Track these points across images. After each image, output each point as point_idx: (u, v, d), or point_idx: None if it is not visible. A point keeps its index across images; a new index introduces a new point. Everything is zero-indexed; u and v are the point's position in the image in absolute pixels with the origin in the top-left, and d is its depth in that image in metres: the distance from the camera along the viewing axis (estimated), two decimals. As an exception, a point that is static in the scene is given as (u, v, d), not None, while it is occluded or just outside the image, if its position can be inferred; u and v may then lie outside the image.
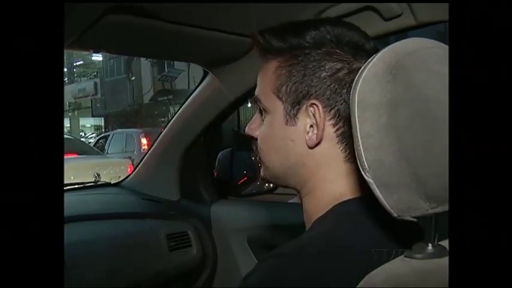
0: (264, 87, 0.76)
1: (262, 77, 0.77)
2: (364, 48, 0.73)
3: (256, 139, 0.79)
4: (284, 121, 0.74)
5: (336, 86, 0.71)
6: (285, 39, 0.73)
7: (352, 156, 0.71)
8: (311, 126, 0.72)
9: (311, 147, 0.73)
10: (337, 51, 0.72)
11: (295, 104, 0.73)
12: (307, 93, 0.72)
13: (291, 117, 0.73)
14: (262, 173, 0.81)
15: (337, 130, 0.72)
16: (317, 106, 0.71)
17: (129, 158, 9.20)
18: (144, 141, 10.40)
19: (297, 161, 0.74)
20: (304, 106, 0.72)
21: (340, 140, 0.72)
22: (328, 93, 0.71)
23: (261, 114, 0.78)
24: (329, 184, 0.73)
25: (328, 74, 0.71)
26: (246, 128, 0.82)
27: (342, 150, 0.72)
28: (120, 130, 12.97)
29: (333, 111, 0.71)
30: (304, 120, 0.72)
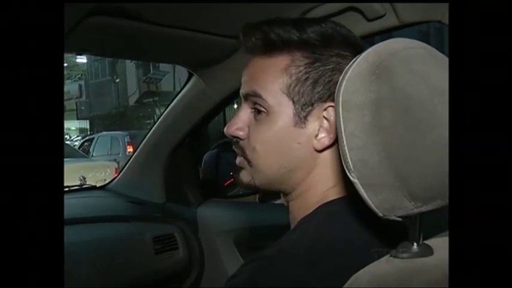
0: (269, 84, 0.71)
1: (264, 72, 0.71)
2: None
3: (241, 139, 0.74)
4: (292, 122, 0.70)
5: None
6: (296, 31, 0.70)
7: None
8: (321, 128, 0.70)
9: (319, 151, 0.71)
10: (348, 54, 0.71)
11: (307, 106, 0.70)
12: (323, 95, 0.70)
13: (301, 118, 0.70)
14: (247, 178, 0.75)
15: None
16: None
17: (115, 160, 9.14)
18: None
19: (298, 164, 0.71)
20: (317, 108, 0.70)
21: None
22: None
23: (256, 112, 0.72)
24: (321, 184, 0.72)
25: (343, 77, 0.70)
26: (227, 127, 0.75)
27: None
28: (105, 133, 12.86)
29: None
30: (314, 123, 0.70)
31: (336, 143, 0.70)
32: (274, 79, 0.71)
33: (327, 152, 0.71)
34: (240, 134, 0.74)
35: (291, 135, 0.70)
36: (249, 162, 0.74)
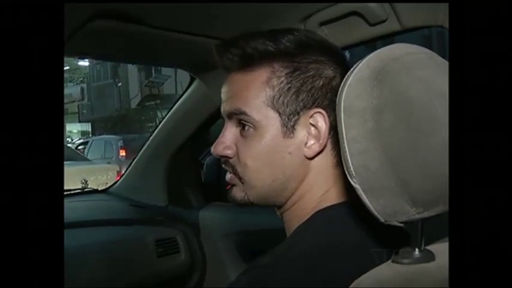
0: (252, 100, 0.70)
1: (244, 89, 0.71)
2: (341, 55, 0.73)
3: (228, 158, 0.74)
4: (281, 134, 0.70)
5: (331, 95, 0.70)
6: (270, 43, 0.70)
7: (340, 161, 0.71)
8: (309, 136, 0.70)
9: (310, 158, 0.71)
10: (326, 59, 0.71)
11: (293, 115, 0.70)
12: (307, 103, 0.70)
13: (289, 128, 0.70)
14: (240, 195, 0.74)
15: (330, 137, 0.71)
16: (322, 115, 0.69)
17: (108, 164, 9.21)
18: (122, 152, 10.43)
19: (292, 174, 0.71)
20: (304, 116, 0.70)
21: (333, 147, 0.71)
22: (326, 102, 0.70)
23: (242, 128, 0.72)
24: (315, 190, 0.72)
25: (324, 82, 0.70)
26: (213, 147, 0.74)
27: (334, 155, 0.72)
28: (99, 136, 12.97)
29: (328, 119, 0.70)
30: (302, 131, 0.70)
31: (325, 148, 0.71)
32: (257, 93, 0.70)
33: (318, 158, 0.71)
34: (228, 152, 0.74)
35: (281, 146, 0.70)
36: (240, 178, 0.73)
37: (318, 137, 0.70)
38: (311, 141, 0.70)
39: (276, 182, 0.71)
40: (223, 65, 0.74)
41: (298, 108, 0.70)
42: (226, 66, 0.74)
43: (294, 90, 0.70)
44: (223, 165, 0.76)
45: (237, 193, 0.75)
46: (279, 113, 0.70)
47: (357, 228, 0.67)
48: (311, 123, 0.70)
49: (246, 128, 0.71)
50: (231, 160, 0.74)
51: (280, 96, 0.70)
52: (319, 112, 0.70)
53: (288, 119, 0.70)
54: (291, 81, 0.70)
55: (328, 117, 0.69)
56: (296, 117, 0.70)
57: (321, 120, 0.70)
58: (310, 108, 0.70)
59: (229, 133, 0.74)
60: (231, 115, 0.73)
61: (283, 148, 0.70)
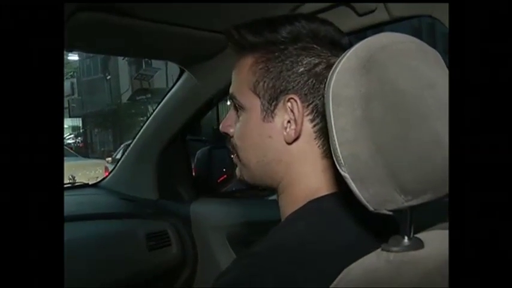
0: (239, 84, 0.75)
1: (237, 73, 0.76)
2: (340, 43, 0.73)
3: (232, 137, 0.78)
4: (261, 117, 0.73)
5: (314, 81, 0.70)
6: (261, 34, 0.72)
7: (329, 151, 0.71)
8: (288, 121, 0.71)
9: (289, 143, 0.72)
10: (314, 45, 0.72)
11: (272, 100, 0.72)
12: (284, 89, 0.71)
13: (268, 113, 0.72)
14: (238, 173, 0.80)
15: (315, 126, 0.71)
16: (295, 101, 0.70)
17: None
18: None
19: (274, 157, 0.73)
20: (282, 102, 0.71)
21: (317, 136, 0.72)
22: (305, 88, 0.70)
23: (237, 111, 0.77)
24: (305, 179, 0.73)
25: (305, 69, 0.71)
26: (221, 125, 0.80)
27: (319, 145, 0.72)
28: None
29: (310, 106, 0.71)
30: (282, 116, 0.72)
31: (306, 135, 0.71)
32: (243, 79, 0.75)
33: (301, 146, 0.72)
34: (231, 131, 0.79)
35: (262, 129, 0.73)
36: (236, 157, 0.79)
37: (294, 123, 0.71)
38: (288, 127, 0.72)
39: (259, 163, 0.75)
40: (232, 48, 0.78)
41: (276, 93, 0.72)
42: (234, 50, 0.78)
43: (273, 75, 0.72)
44: (228, 145, 0.81)
45: (237, 172, 0.80)
46: (259, 98, 0.73)
47: (348, 221, 0.67)
48: (289, 108, 0.71)
49: (239, 110, 0.76)
50: (232, 139, 0.79)
51: (260, 82, 0.72)
52: (294, 98, 0.71)
53: (269, 103, 0.72)
54: (271, 66, 0.72)
55: (306, 103, 0.71)
56: (275, 102, 0.72)
57: (295, 106, 0.71)
58: (287, 93, 0.71)
59: (231, 113, 0.79)
60: (230, 97, 0.78)
61: (263, 132, 0.73)
